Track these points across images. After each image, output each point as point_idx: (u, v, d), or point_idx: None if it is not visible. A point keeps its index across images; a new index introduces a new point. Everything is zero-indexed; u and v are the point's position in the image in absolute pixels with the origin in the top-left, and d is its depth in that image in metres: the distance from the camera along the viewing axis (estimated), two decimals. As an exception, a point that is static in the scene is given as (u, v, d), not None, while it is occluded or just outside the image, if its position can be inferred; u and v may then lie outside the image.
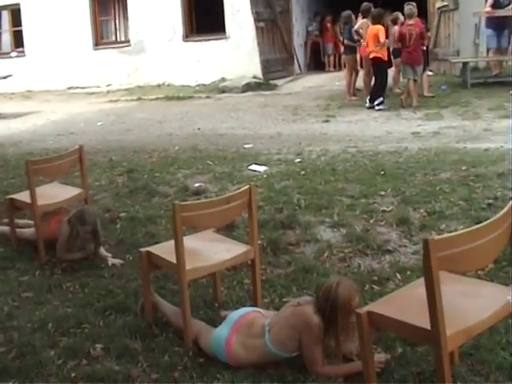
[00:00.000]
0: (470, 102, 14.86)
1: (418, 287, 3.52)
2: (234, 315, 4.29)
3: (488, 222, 3.20)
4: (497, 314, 3.31)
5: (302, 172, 8.77)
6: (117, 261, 6.00)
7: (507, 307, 3.36)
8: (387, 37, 15.41)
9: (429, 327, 3.03)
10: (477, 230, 3.16)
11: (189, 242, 4.56)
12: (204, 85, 21.30)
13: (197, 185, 8.41)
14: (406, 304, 3.47)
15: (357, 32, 16.05)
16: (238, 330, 4.15)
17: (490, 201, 6.81)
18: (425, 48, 16.37)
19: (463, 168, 8.42)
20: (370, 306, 3.54)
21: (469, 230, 3.18)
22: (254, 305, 4.74)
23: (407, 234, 6.20)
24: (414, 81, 14.98)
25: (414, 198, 7.16)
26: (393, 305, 3.50)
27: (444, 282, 3.07)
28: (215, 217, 4.49)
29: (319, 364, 3.91)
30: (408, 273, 5.28)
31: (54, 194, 6.79)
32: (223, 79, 21.25)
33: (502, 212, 3.28)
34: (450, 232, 5.85)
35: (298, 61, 23.05)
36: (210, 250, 4.70)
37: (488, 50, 18.96)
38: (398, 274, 5.27)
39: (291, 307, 4.09)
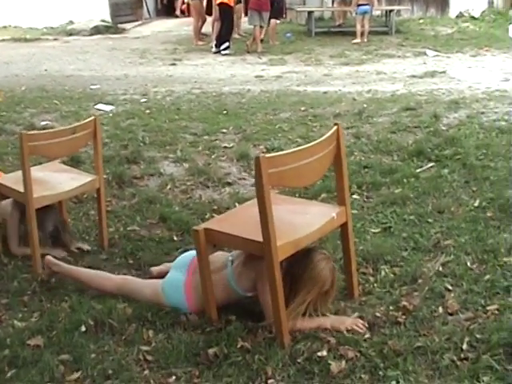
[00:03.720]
0: (313, 50, 15.42)
1: (251, 207, 3.77)
2: (185, 258, 3.90)
3: (314, 143, 3.46)
4: (323, 229, 3.58)
5: (148, 111, 8.94)
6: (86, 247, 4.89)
7: (332, 222, 3.65)
8: None
9: (261, 239, 3.23)
10: (304, 149, 3.40)
11: (36, 172, 4.58)
12: (52, 27, 20.81)
13: (43, 123, 8.39)
14: (239, 221, 3.66)
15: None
16: (196, 270, 3.68)
17: (325, 138, 7.21)
18: None
19: (302, 109, 8.86)
20: (207, 223, 3.68)
21: (296, 149, 3.42)
22: (100, 233, 4.84)
23: (247, 168, 6.46)
24: (261, 27, 15.30)
25: (254, 136, 7.48)
26: (228, 222, 3.68)
27: (276, 202, 3.30)
28: (61, 146, 4.50)
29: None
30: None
31: (56, 180, 4.78)
32: (71, 22, 20.82)
33: (326, 135, 3.56)
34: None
35: (147, 5, 22.85)
36: (56, 180, 4.72)
37: (333, 1, 19.55)
38: (236, 204, 5.44)
39: None
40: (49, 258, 4.24)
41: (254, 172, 3.17)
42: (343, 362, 3.15)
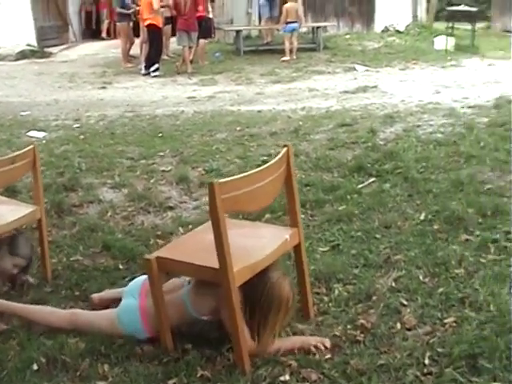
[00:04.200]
0: (243, 69, 15.46)
1: (202, 232, 3.74)
2: (135, 283, 3.81)
3: (265, 166, 3.45)
4: (277, 251, 3.55)
5: (82, 136, 8.78)
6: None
7: (285, 244, 3.63)
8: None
9: (217, 266, 3.18)
10: (256, 173, 3.37)
11: (-28, 205, 4.43)
12: (-24, 53, 20.36)
13: (-27, 152, 8.16)
14: (192, 247, 3.59)
15: (133, -1, 16.10)
16: (148, 292, 3.58)
17: (265, 157, 7.15)
18: (211, 17, 16.82)
19: (238, 128, 8.83)
20: (158, 251, 3.61)
21: (249, 173, 3.38)
22: (43, 265, 4.66)
23: (187, 191, 6.38)
24: (190, 48, 15.28)
25: (192, 158, 7.40)
26: (180, 249, 3.61)
27: (229, 227, 3.23)
28: (0, 177, 4.34)
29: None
30: (190, 226, 5.42)
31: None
32: (-4, 47, 20.41)
33: (277, 157, 3.55)
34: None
35: (72, 28, 22.60)
36: (-6, 213, 4.56)
37: (260, 19, 19.67)
38: (180, 228, 5.40)
39: None
40: None
41: (208, 198, 3.13)
42: (307, 386, 3.11)
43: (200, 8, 15.80)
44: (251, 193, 3.26)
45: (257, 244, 3.53)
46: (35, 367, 3.41)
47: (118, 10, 16.48)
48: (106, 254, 4.96)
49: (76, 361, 3.46)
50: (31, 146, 4.57)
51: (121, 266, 4.73)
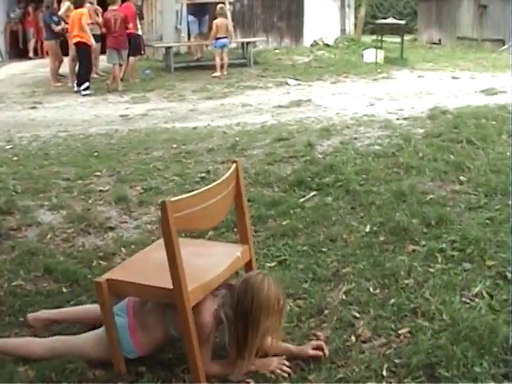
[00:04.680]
0: (175, 86, 15.42)
1: (152, 252, 3.68)
2: (121, 303, 3.63)
3: (216, 183, 3.41)
4: (229, 269, 3.52)
5: (15, 158, 8.58)
6: None
7: (237, 261, 3.62)
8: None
9: (170, 286, 3.12)
10: (207, 190, 3.32)
11: None
12: None
13: None
14: (142, 268, 3.53)
15: (61, 17, 15.87)
16: (135, 312, 3.51)
17: (203, 174, 7.15)
18: (140, 33, 16.74)
19: (174, 146, 8.76)
20: (108, 273, 3.52)
21: (200, 191, 3.32)
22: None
23: (127, 210, 6.28)
24: (120, 65, 15.16)
25: (129, 177, 7.30)
26: (130, 270, 3.54)
27: (180, 246, 3.16)
28: None
29: (206, 363, 3.34)
30: (132, 246, 5.36)
31: None
32: None
33: (227, 174, 3.52)
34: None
35: (-2, 48, 22.26)
36: None
37: (189, 36, 19.66)
38: (122, 249, 5.31)
39: None
40: None
41: (160, 217, 3.07)
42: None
43: (130, 25, 15.71)
44: (203, 210, 3.22)
45: (209, 262, 3.49)
46: (-16, 398, 3.30)
47: (46, 27, 16.25)
48: (49, 278, 4.83)
49: (26, 389, 3.35)
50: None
51: (64, 290, 4.61)
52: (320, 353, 3.42)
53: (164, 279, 3.16)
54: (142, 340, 3.45)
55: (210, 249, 3.81)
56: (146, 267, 3.52)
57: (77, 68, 15.33)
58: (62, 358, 3.55)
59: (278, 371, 3.35)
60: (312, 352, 3.44)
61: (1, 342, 3.79)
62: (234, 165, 3.56)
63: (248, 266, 3.71)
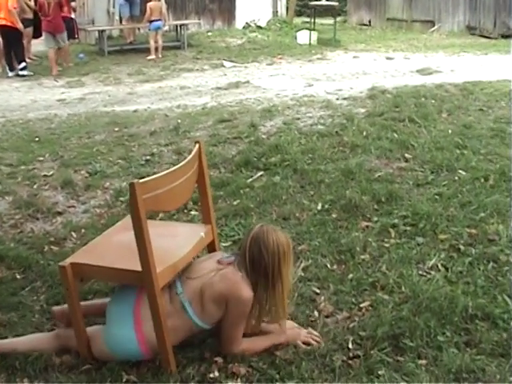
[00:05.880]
0: (110, 69, 15.23)
1: (114, 234, 3.67)
2: (124, 302, 3.40)
3: (181, 164, 3.41)
4: (195, 249, 3.54)
5: (-47, 145, 8.40)
6: None
7: (202, 241, 3.63)
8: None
9: (139, 268, 3.11)
10: (174, 171, 3.32)
11: None
12: None
13: None
14: (107, 251, 3.49)
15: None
16: (142, 317, 3.30)
17: (148, 157, 7.12)
18: (73, 17, 16.46)
19: (116, 129, 8.68)
20: (71, 257, 3.45)
21: (167, 172, 3.31)
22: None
23: (73, 195, 6.22)
24: (59, 49, 14.91)
25: (73, 161, 7.21)
26: (95, 253, 3.49)
27: None
28: None
29: (238, 342, 3.33)
30: (83, 231, 5.32)
31: None
32: None
33: (191, 155, 3.53)
34: (115, 190, 6.11)
35: None
36: None
37: (121, 19, 19.44)
38: (73, 233, 5.28)
39: (213, 271, 3.34)
40: None
41: (129, 199, 3.05)
42: (238, 380, 3.11)
43: (65, 9, 15.45)
44: (170, 191, 3.22)
45: (174, 243, 3.50)
46: None
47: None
48: (0, 265, 4.75)
49: (-10, 378, 3.32)
50: None
51: (18, 276, 4.56)
52: (312, 340, 3.42)
53: (131, 262, 3.15)
54: (152, 345, 3.28)
55: (173, 229, 3.81)
56: (111, 250, 3.49)
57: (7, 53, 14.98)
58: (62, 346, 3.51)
59: (310, 340, 3.39)
60: (303, 336, 3.44)
61: (9, 344, 3.64)
62: (197, 145, 3.57)
63: (211, 246, 3.74)
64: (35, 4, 15.42)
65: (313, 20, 19.12)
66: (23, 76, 14.36)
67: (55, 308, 3.87)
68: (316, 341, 3.39)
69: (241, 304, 3.22)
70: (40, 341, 3.60)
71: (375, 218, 4.92)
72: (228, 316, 3.27)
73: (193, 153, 3.51)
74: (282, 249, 3.23)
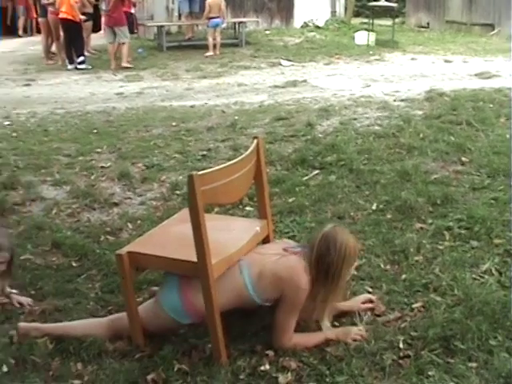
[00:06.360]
0: (168, 65, 15.39)
1: (171, 226, 3.73)
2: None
3: (239, 158, 3.45)
4: (250, 243, 3.57)
5: (14, 134, 8.57)
6: (24, 299, 4.15)
7: (257, 236, 3.68)
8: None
9: (194, 259, 3.15)
10: (232, 165, 3.36)
11: None
12: None
13: None
14: (163, 241, 3.55)
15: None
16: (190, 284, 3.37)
17: (204, 152, 7.20)
18: (133, 12, 16.69)
19: (173, 124, 8.79)
20: (128, 246, 3.53)
21: (226, 165, 3.36)
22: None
23: (130, 187, 6.32)
24: (122, 44, 15.10)
25: (130, 154, 7.33)
26: (151, 243, 3.55)
27: None
28: None
29: (289, 334, 3.36)
30: (138, 222, 5.40)
31: None
32: None
33: (249, 150, 3.56)
34: (171, 183, 6.18)
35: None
36: None
37: (180, 15, 19.60)
38: (129, 224, 5.36)
39: (277, 255, 3.42)
40: (23, 325, 3.71)
41: (188, 190, 3.10)
42: (289, 374, 3.14)
43: (126, 3, 15.66)
44: (227, 185, 3.27)
45: (230, 236, 3.54)
46: (5, 369, 3.33)
47: (39, 4, 16.18)
48: (57, 252, 4.87)
49: (46, 360, 3.39)
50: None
51: (74, 264, 4.66)
52: (370, 304, 3.64)
53: (187, 252, 3.20)
54: (195, 301, 3.32)
55: (230, 223, 3.86)
56: (167, 241, 3.54)
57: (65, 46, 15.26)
58: (119, 334, 3.56)
59: (359, 337, 3.42)
60: (363, 306, 3.64)
61: (63, 328, 3.72)
62: (256, 141, 3.60)
63: (266, 241, 3.77)
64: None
65: (371, 21, 19.06)
66: (81, 69, 14.59)
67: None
68: (365, 338, 3.41)
69: (297, 293, 3.28)
70: (94, 326, 3.67)
71: (430, 220, 4.90)
72: (282, 304, 3.32)
73: (251, 148, 3.54)
74: (348, 251, 3.31)
